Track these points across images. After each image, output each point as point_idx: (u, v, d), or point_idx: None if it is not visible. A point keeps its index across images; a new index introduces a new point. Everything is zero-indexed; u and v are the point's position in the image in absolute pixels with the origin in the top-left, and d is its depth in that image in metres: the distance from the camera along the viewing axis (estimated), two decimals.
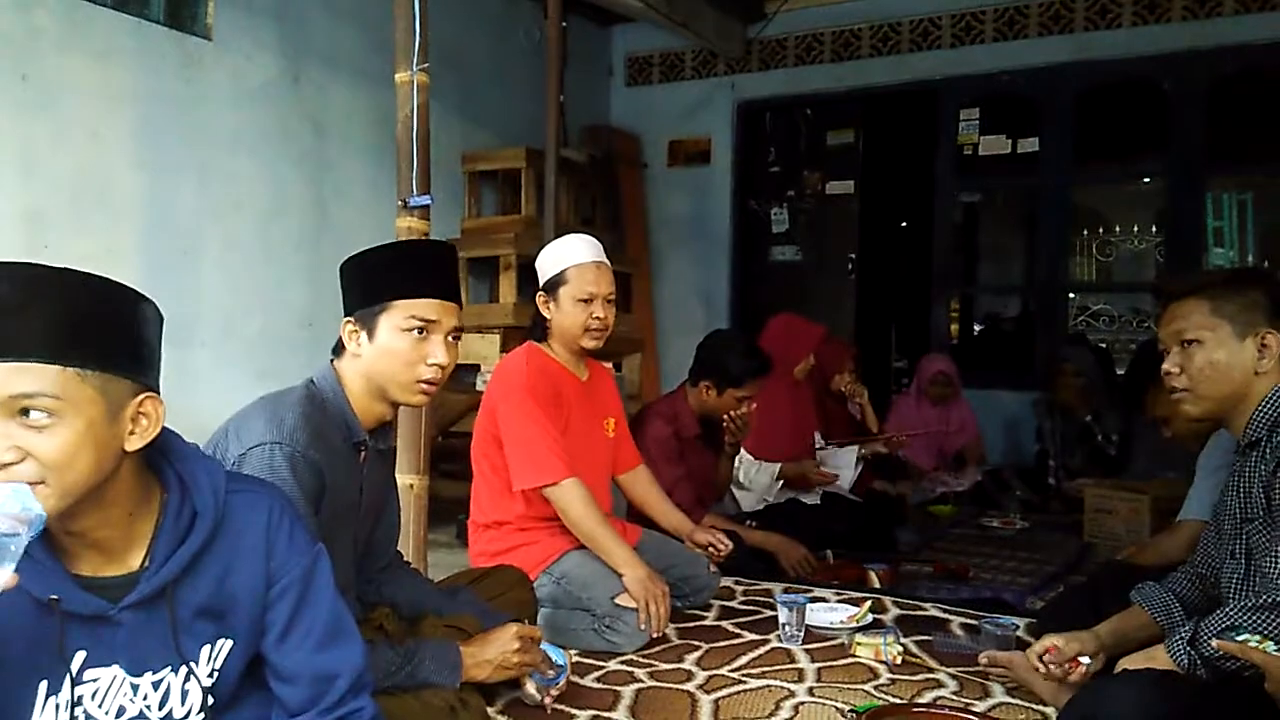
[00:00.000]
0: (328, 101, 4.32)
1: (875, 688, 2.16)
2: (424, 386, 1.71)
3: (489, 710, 1.83)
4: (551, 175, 4.24)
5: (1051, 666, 1.89)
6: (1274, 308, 1.77)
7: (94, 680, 1.18)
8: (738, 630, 2.61)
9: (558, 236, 2.81)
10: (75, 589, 1.14)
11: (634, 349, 5.28)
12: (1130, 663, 1.72)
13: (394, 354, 1.68)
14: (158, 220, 3.64)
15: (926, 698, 2.10)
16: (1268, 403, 1.75)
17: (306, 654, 1.28)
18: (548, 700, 1.96)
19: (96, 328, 1.09)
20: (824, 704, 2.06)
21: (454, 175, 4.96)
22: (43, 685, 1.15)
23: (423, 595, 1.95)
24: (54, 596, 1.13)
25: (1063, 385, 4.73)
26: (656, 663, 2.32)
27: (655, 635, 2.41)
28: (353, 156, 4.41)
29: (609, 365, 3.15)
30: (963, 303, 7.13)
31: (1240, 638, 1.57)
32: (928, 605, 2.86)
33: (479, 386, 4.10)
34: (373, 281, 1.71)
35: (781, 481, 3.61)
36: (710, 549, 2.76)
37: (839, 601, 2.81)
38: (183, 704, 1.23)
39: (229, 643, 1.25)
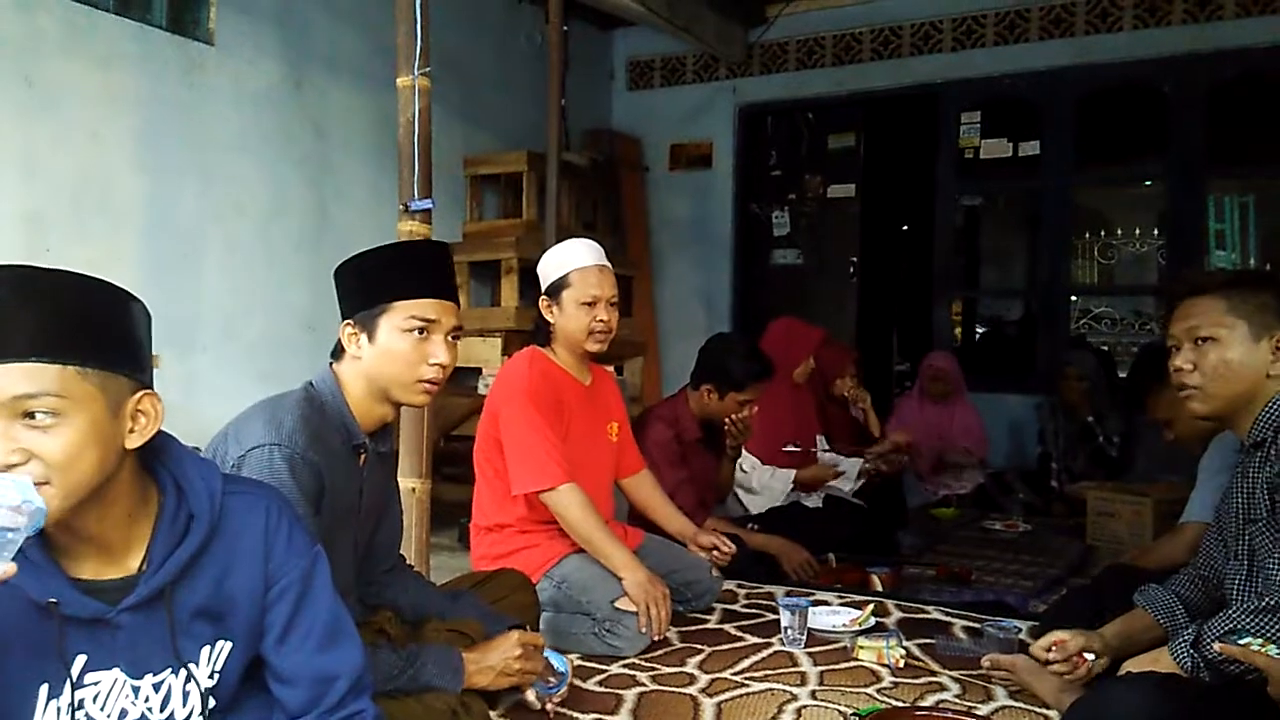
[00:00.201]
0: (329, 106, 4.32)
1: (878, 691, 2.16)
2: (426, 386, 1.71)
3: (491, 714, 1.83)
4: (553, 179, 4.24)
5: (1057, 660, 1.88)
6: None
7: (95, 683, 1.18)
8: (740, 634, 2.61)
9: (559, 240, 2.82)
10: (74, 592, 1.14)
11: (635, 352, 5.28)
12: (1134, 665, 1.72)
13: (396, 355, 1.68)
14: (159, 223, 3.64)
15: (929, 701, 2.10)
16: (1274, 404, 1.75)
17: (306, 655, 1.28)
18: (549, 707, 1.95)
19: (93, 326, 1.10)
20: (826, 707, 2.06)
21: (455, 179, 4.96)
22: (43, 689, 1.15)
23: (425, 598, 1.95)
24: (53, 600, 1.13)
25: (1065, 388, 4.72)
26: (659, 666, 2.32)
27: (656, 638, 2.41)
28: (354, 160, 4.41)
29: (611, 369, 3.15)
30: (965, 306, 7.12)
31: (1242, 641, 1.57)
32: (930, 608, 2.86)
33: (481, 390, 4.10)
34: (371, 284, 1.71)
35: (793, 487, 3.61)
36: (713, 552, 2.76)
37: (841, 605, 2.80)
38: (184, 706, 1.23)
39: (228, 644, 1.25)
